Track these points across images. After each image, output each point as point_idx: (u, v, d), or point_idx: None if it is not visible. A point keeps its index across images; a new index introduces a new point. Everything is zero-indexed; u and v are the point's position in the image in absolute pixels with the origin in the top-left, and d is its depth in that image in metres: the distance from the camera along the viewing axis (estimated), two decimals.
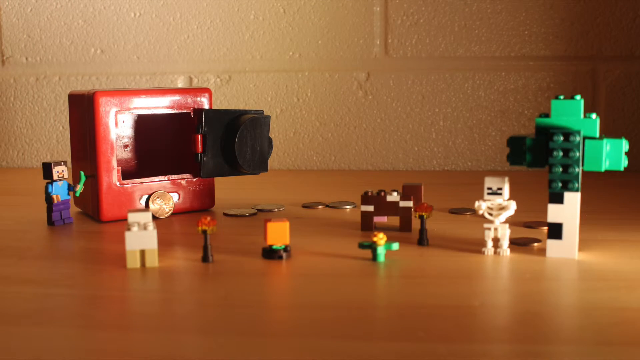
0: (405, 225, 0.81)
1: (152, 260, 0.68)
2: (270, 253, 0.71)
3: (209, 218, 0.69)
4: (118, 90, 0.90)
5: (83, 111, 0.89)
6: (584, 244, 0.73)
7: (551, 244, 0.70)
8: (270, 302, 0.59)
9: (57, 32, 1.40)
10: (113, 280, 0.66)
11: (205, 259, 0.70)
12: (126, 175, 0.93)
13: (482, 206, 0.71)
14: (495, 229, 0.71)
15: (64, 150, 1.41)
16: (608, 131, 1.28)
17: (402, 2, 1.31)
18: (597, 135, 0.68)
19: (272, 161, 1.37)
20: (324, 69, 1.34)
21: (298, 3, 1.33)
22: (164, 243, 0.78)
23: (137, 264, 0.68)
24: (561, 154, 0.67)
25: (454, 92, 1.32)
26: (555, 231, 0.70)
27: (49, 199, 0.85)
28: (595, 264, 0.68)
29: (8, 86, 1.42)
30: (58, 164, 0.85)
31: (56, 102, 1.41)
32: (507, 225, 0.71)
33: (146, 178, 0.91)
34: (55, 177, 0.85)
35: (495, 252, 0.71)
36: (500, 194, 0.70)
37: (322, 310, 0.56)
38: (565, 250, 0.70)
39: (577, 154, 0.67)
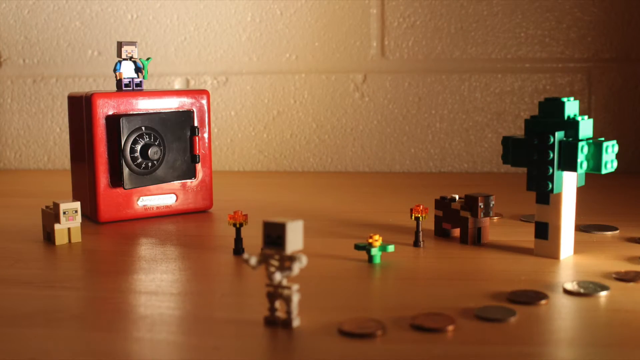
0: (463, 236, 0.76)
1: (77, 237, 0.79)
2: None
3: (240, 212, 0.73)
4: (116, 92, 0.90)
5: (81, 113, 0.89)
6: (579, 245, 0.74)
7: (537, 244, 0.71)
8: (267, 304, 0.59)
9: (54, 34, 1.40)
10: (110, 282, 0.66)
11: (237, 251, 0.74)
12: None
13: (251, 261, 0.52)
14: (280, 292, 0.53)
15: (61, 151, 1.42)
16: (604, 133, 1.28)
17: (398, 4, 1.31)
18: (590, 136, 0.69)
19: (269, 163, 1.37)
20: (321, 70, 1.34)
21: (295, 5, 1.34)
22: (173, 244, 0.79)
23: (65, 241, 0.78)
24: (536, 154, 0.67)
25: (450, 94, 1.32)
26: (542, 231, 0.70)
27: (115, 75, 0.91)
28: (590, 265, 0.68)
29: (5, 88, 1.42)
30: (128, 44, 0.90)
31: (53, 103, 1.41)
32: (296, 288, 0.53)
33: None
34: (124, 56, 0.90)
35: (282, 324, 0.53)
36: (281, 244, 0.51)
37: (317, 311, 0.56)
38: (549, 251, 0.70)
39: (551, 155, 0.66)
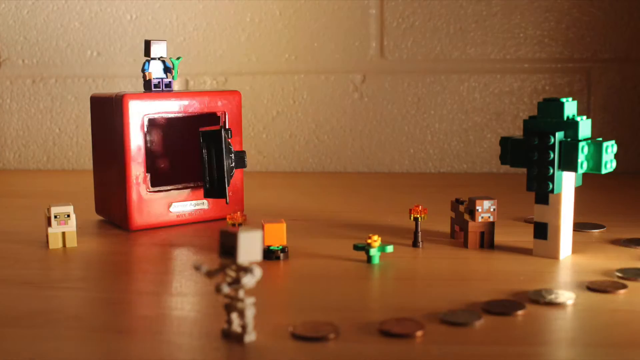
0: (464, 240, 0.76)
1: (72, 241, 0.77)
2: (267, 254, 0.71)
3: (238, 212, 0.73)
4: (146, 92, 0.85)
5: (108, 115, 0.84)
6: (578, 245, 0.74)
7: (537, 244, 0.71)
8: (267, 303, 0.59)
9: (53, 35, 1.40)
10: (109, 282, 0.66)
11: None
12: (155, 181, 0.87)
13: (202, 269, 0.50)
14: (236, 305, 0.50)
15: (60, 152, 1.41)
16: (603, 134, 1.28)
17: (397, 4, 1.31)
18: (588, 136, 0.69)
19: (268, 164, 1.37)
20: (320, 71, 1.35)
21: (294, 5, 1.34)
22: (175, 246, 0.79)
23: (59, 245, 0.76)
24: (537, 155, 0.67)
25: (450, 94, 1.32)
26: (541, 231, 0.70)
27: (143, 75, 0.86)
28: (588, 265, 0.68)
29: (4, 88, 1.42)
30: (157, 42, 0.86)
31: (52, 104, 1.41)
32: (252, 301, 0.50)
33: (176, 185, 0.87)
34: (152, 55, 0.86)
35: (236, 338, 0.50)
36: (234, 254, 0.49)
37: (316, 311, 0.57)
38: (549, 251, 0.70)
39: (552, 155, 0.66)
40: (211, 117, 0.89)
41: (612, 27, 1.27)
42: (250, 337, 0.50)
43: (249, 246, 0.48)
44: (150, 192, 0.84)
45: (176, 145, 0.94)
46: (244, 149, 0.90)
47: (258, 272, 0.49)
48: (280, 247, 0.71)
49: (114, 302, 0.60)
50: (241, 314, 0.50)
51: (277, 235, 0.71)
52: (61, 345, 0.50)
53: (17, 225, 0.89)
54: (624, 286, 0.60)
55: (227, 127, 0.88)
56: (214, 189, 0.83)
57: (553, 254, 0.70)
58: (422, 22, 1.31)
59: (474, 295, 0.59)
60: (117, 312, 0.58)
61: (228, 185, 0.83)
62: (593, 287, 0.60)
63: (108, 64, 1.39)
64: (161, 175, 0.93)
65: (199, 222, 0.88)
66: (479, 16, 1.30)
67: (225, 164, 0.82)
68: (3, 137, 1.43)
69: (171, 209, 0.86)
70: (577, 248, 0.73)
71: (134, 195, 0.83)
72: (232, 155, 0.84)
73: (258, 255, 0.49)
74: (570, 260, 0.69)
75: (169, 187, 0.86)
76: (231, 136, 0.86)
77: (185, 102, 0.86)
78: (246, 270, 0.49)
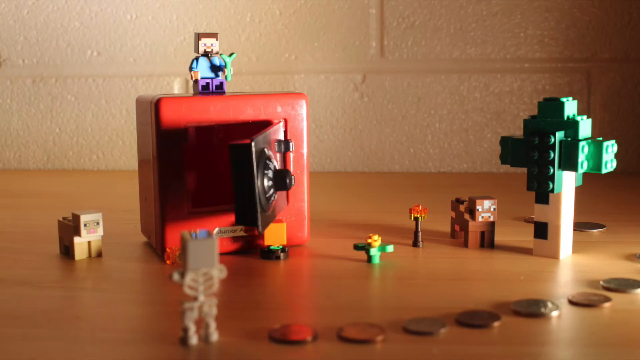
0: (465, 240, 0.75)
1: (98, 251, 0.73)
2: (267, 253, 0.71)
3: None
4: (188, 95, 0.72)
5: (147, 122, 0.73)
6: (578, 245, 0.74)
7: (537, 244, 0.71)
8: (266, 303, 0.59)
9: (53, 34, 1.40)
10: (109, 283, 0.66)
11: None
12: (198, 201, 0.73)
13: (175, 277, 0.49)
14: (200, 306, 0.50)
15: (60, 152, 1.41)
16: (603, 133, 1.28)
17: (397, 4, 1.31)
18: (589, 136, 0.69)
19: None
20: (320, 71, 1.34)
21: (294, 5, 1.34)
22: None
23: (85, 255, 0.73)
24: (537, 154, 0.67)
25: (450, 94, 1.32)
26: (541, 231, 0.70)
27: (190, 75, 0.74)
28: (589, 265, 0.68)
29: (4, 88, 1.42)
30: (207, 35, 0.73)
31: (52, 104, 1.41)
32: (214, 301, 0.50)
33: (223, 205, 0.72)
34: (201, 51, 0.73)
35: (182, 343, 0.50)
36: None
37: (316, 311, 0.57)
38: (549, 251, 0.70)
39: (552, 155, 0.66)
40: (267, 125, 0.73)
41: (612, 27, 1.27)
42: (192, 340, 0.50)
43: (201, 253, 0.48)
44: (191, 213, 0.71)
45: (225, 158, 0.78)
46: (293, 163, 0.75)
47: (188, 277, 0.49)
48: (280, 247, 0.71)
49: (115, 303, 0.60)
50: (182, 316, 0.50)
51: (277, 235, 0.71)
52: (61, 345, 0.50)
53: (16, 225, 0.89)
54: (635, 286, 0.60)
55: (286, 137, 0.74)
56: (245, 215, 0.64)
57: (553, 254, 0.70)
58: (422, 22, 1.31)
59: (475, 295, 0.59)
60: (117, 312, 0.57)
61: (263, 211, 0.64)
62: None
63: (108, 64, 1.39)
64: (206, 193, 0.77)
65: (249, 250, 0.74)
66: (479, 16, 1.30)
67: (256, 185, 0.63)
68: (3, 137, 1.43)
69: (215, 233, 0.72)
70: (577, 248, 0.73)
71: (171, 216, 0.70)
72: (271, 174, 0.67)
73: (212, 262, 0.49)
74: (570, 260, 0.69)
75: (214, 208, 0.72)
76: (292, 149, 0.73)
77: (237, 107, 0.72)
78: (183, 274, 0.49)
